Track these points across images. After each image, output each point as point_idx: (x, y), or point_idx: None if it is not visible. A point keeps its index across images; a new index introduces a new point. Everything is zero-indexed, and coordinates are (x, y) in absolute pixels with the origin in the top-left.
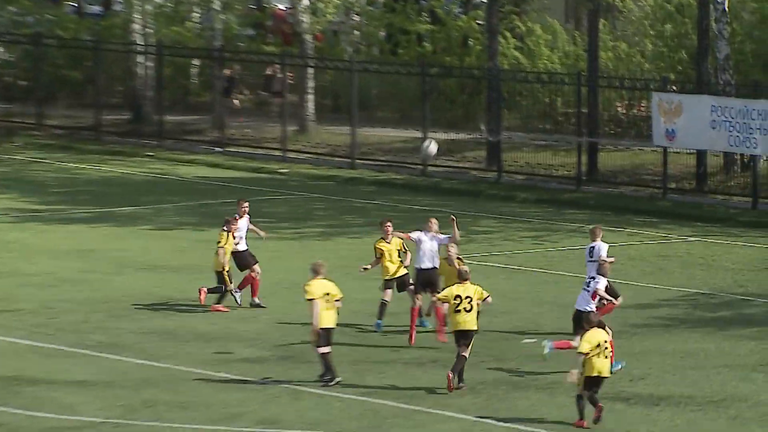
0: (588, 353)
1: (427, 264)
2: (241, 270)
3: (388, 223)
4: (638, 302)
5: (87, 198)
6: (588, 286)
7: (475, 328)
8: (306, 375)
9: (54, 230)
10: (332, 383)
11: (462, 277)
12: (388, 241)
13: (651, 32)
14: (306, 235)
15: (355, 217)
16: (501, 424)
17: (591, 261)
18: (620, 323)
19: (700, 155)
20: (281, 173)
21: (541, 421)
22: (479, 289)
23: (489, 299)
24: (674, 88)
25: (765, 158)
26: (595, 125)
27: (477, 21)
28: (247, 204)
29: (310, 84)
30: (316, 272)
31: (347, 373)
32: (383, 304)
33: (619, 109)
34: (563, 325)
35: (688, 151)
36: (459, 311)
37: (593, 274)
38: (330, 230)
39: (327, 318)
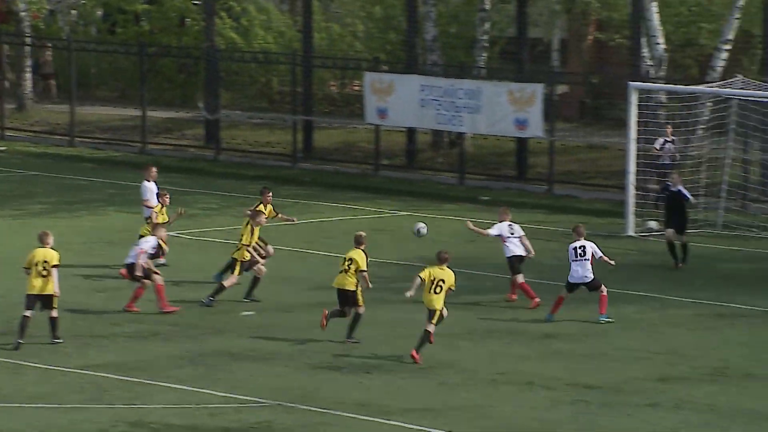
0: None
1: None
2: None
3: (270, 193)
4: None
5: None
6: (583, 256)
7: (352, 288)
8: (26, 349)
9: None
10: (15, 347)
11: (357, 242)
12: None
13: (362, 14)
14: (27, 212)
15: (75, 194)
16: (219, 393)
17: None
18: (329, 291)
19: (410, 133)
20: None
21: (259, 389)
22: (363, 256)
23: (365, 274)
24: (385, 68)
25: (471, 135)
26: (310, 104)
27: (194, 1)
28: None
29: (28, 63)
30: (41, 240)
31: (69, 348)
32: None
33: (332, 88)
34: (281, 298)
35: (399, 128)
36: (340, 272)
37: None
38: (51, 207)
39: (36, 284)
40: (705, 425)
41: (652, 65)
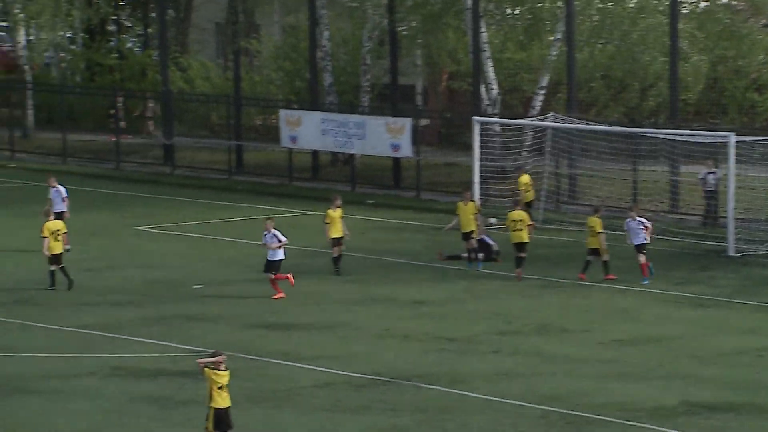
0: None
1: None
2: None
3: (339, 199)
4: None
5: None
6: (640, 226)
7: (526, 240)
8: (35, 313)
9: None
10: (52, 287)
11: (518, 206)
12: (334, 210)
13: (275, 67)
14: (31, 213)
15: (70, 201)
16: (178, 346)
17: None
18: (258, 271)
19: (315, 153)
20: (10, 167)
21: (208, 343)
22: (524, 214)
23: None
24: (295, 106)
25: (359, 155)
26: (241, 132)
27: (152, 57)
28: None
29: (30, 102)
30: (46, 215)
31: (67, 312)
32: (334, 258)
33: (257, 121)
34: (224, 276)
35: (306, 150)
36: (516, 230)
37: (635, 223)
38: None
39: (55, 246)
40: (534, 366)
41: (489, 105)
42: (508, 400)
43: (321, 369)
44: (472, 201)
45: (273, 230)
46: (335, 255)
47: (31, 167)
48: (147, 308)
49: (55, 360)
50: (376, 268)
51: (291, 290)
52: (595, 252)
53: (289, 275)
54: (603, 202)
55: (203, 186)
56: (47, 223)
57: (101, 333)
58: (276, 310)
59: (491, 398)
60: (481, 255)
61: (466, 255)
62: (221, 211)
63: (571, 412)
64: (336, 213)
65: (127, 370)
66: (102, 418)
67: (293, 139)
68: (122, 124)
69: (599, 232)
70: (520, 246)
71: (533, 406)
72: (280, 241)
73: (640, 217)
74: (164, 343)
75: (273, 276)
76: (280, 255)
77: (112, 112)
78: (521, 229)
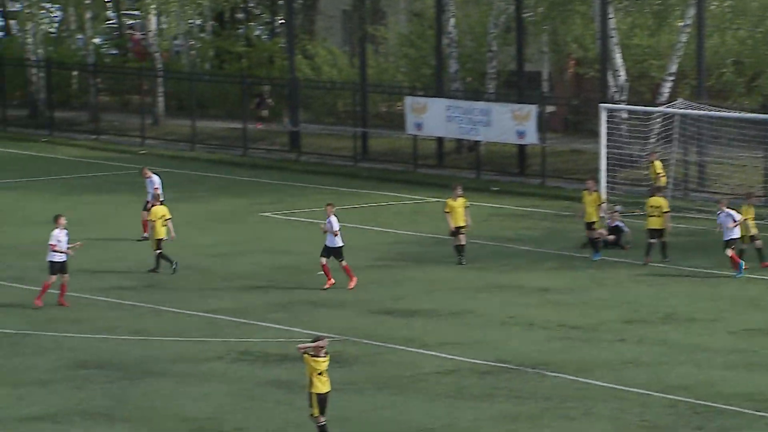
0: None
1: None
2: None
3: (460, 188)
4: (397, 244)
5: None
6: (728, 218)
7: (660, 227)
8: (164, 298)
9: None
10: (175, 266)
11: (651, 194)
12: (454, 199)
13: (401, 54)
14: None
15: (195, 185)
16: (304, 331)
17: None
18: (382, 257)
19: (440, 140)
20: (141, 154)
21: (332, 328)
22: (662, 201)
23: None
24: (421, 93)
25: (484, 142)
26: (366, 119)
27: (280, 44)
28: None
29: (160, 89)
30: (156, 198)
31: (194, 297)
32: (456, 247)
33: (382, 108)
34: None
35: (431, 137)
36: (652, 216)
37: (724, 215)
38: (178, 195)
39: (161, 231)
40: (660, 355)
41: (616, 91)
42: (633, 389)
43: (445, 356)
44: (596, 191)
45: (332, 216)
46: (455, 244)
47: (161, 153)
48: (273, 294)
49: (183, 344)
50: (501, 255)
51: (415, 277)
52: (754, 238)
53: (329, 275)
54: (733, 190)
55: (329, 173)
56: (155, 208)
57: (229, 318)
58: (400, 297)
59: (616, 387)
60: (611, 237)
61: (599, 235)
62: (347, 197)
63: (699, 401)
64: (457, 202)
65: (253, 355)
66: (229, 401)
67: (418, 126)
68: (265, 112)
69: (750, 219)
70: (654, 232)
71: (660, 395)
72: (332, 228)
73: (729, 209)
74: (290, 328)
75: (325, 262)
76: (339, 242)
77: (265, 112)
78: (657, 216)
